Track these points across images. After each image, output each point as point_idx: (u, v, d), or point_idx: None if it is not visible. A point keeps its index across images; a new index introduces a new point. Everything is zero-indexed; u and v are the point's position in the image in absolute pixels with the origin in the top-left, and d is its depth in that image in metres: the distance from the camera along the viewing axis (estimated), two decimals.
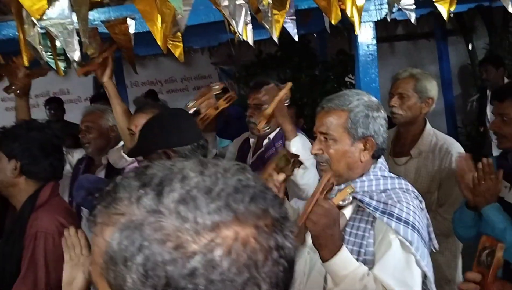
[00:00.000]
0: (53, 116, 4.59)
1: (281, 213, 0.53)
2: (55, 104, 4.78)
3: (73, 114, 5.02)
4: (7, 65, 2.25)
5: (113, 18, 1.99)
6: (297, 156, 1.55)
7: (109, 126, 2.50)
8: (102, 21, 1.99)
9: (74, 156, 2.69)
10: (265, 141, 2.24)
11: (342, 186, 1.34)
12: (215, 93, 2.35)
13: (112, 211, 0.51)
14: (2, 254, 1.56)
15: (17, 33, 1.89)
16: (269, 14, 1.78)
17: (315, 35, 4.41)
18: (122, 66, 4.67)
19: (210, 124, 2.28)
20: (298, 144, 1.94)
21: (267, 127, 2.14)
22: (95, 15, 1.93)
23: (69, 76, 6.26)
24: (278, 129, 2.18)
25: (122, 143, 2.40)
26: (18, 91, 2.36)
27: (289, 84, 2.13)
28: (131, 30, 1.98)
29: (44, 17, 1.42)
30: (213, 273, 0.47)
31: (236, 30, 1.61)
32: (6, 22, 1.87)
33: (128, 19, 1.97)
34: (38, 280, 1.47)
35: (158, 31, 1.51)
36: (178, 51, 2.08)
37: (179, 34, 1.98)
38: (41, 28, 1.65)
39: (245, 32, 1.73)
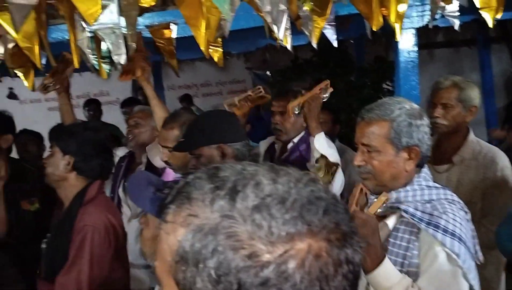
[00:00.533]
0: (91, 116, 4.73)
1: (351, 227, 0.52)
2: (93, 105, 4.92)
3: (111, 116, 5.18)
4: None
5: (156, 23, 2.06)
6: (337, 164, 1.54)
7: (155, 126, 2.58)
8: (146, 26, 2.05)
9: (117, 153, 2.77)
10: (290, 145, 2.24)
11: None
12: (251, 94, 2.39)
13: (185, 212, 0.51)
14: (51, 247, 1.62)
15: (65, 37, 1.99)
16: (310, 20, 1.79)
17: (351, 41, 4.39)
18: (161, 70, 4.78)
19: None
20: (323, 140, 1.94)
21: (297, 111, 2.13)
22: (140, 20, 1.99)
23: (109, 79, 6.47)
24: (302, 133, 2.18)
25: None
26: (58, 87, 2.45)
27: (326, 81, 2.11)
28: (173, 35, 2.04)
29: (95, 22, 1.48)
30: (285, 285, 0.46)
31: (277, 36, 1.62)
32: (56, 25, 1.95)
33: (170, 24, 2.03)
34: (81, 272, 1.52)
35: (201, 36, 1.55)
36: (217, 56, 2.13)
37: (219, 39, 2.03)
38: (89, 32, 1.73)
39: (286, 37, 1.74)
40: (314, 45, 1.87)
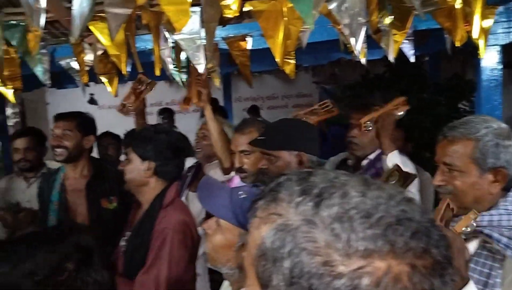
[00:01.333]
0: (165, 124, 4.96)
1: (445, 256, 0.49)
2: (167, 113, 5.15)
3: (181, 124, 5.39)
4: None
5: (231, 35, 2.12)
6: (411, 174, 1.48)
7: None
8: (222, 38, 2.12)
9: (186, 164, 2.87)
10: (365, 162, 2.18)
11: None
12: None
13: (272, 210, 0.53)
14: (131, 245, 1.69)
15: (147, 47, 2.10)
16: (388, 34, 1.75)
17: (427, 58, 4.23)
18: (230, 82, 4.90)
19: None
20: (396, 158, 1.87)
21: (370, 127, 2.07)
22: (217, 32, 2.06)
23: (181, 88, 6.76)
24: (379, 150, 2.12)
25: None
26: (135, 108, 2.60)
27: (403, 98, 2.05)
28: (249, 46, 2.09)
29: (177, 32, 1.55)
30: None
31: (354, 49, 1.60)
32: (139, 36, 2.07)
33: (246, 36, 2.08)
34: (160, 274, 1.56)
35: (278, 46, 1.56)
36: (289, 68, 2.14)
37: (292, 52, 2.04)
38: (172, 42, 1.82)
39: (363, 51, 1.71)
40: (392, 59, 1.82)
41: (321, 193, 0.51)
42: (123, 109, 2.57)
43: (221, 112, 4.17)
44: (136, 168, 1.74)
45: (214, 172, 2.49)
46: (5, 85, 2.11)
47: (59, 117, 2.32)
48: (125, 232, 1.79)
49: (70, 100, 5.61)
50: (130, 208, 1.86)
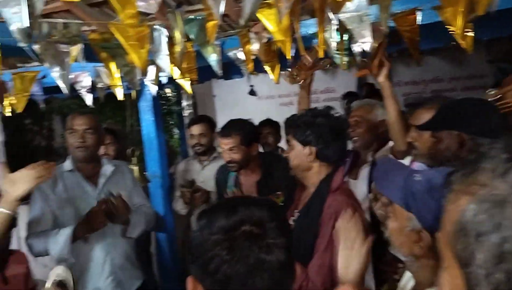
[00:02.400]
0: (346, 110, 4.86)
1: None
2: (352, 97, 5.02)
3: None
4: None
5: (398, 11, 1.97)
6: None
7: (378, 121, 2.49)
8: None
9: None
10: None
11: None
12: None
13: (472, 181, 0.48)
14: (300, 226, 1.73)
15: (308, 32, 2.10)
16: None
17: None
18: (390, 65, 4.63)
19: None
20: None
21: None
22: None
23: (335, 75, 6.69)
24: None
25: (391, 143, 2.36)
26: (302, 80, 2.62)
27: None
28: (418, 21, 1.91)
29: (342, 10, 1.50)
30: None
31: None
32: (301, 21, 2.06)
33: (416, 10, 1.91)
34: (334, 259, 1.52)
35: (459, 15, 1.38)
36: (467, 42, 1.89)
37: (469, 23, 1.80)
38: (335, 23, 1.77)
39: None
40: None
41: None
42: (293, 79, 2.62)
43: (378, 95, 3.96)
44: (298, 154, 1.77)
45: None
46: (183, 77, 2.36)
47: (224, 133, 2.47)
48: (292, 211, 1.82)
49: (234, 92, 6.04)
50: (291, 203, 1.89)
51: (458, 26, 1.42)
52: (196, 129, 3.10)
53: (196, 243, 0.77)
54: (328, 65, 2.57)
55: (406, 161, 1.92)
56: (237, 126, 2.46)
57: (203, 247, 0.74)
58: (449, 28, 1.69)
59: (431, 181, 0.97)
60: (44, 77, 2.10)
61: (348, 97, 4.75)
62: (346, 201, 1.65)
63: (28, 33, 1.55)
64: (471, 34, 1.86)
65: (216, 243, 0.73)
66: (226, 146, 2.43)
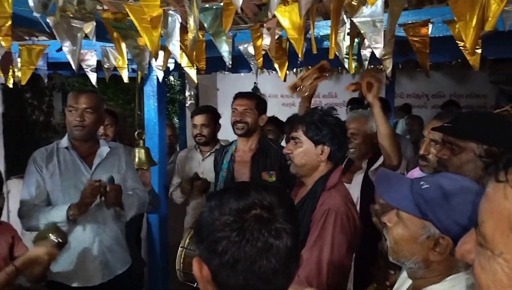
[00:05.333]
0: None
1: None
2: (356, 104, 5.00)
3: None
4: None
5: (410, 22, 1.99)
6: None
7: (374, 133, 2.50)
8: (399, 24, 2.00)
9: None
10: None
11: None
12: None
13: None
14: None
15: (320, 33, 2.11)
16: None
17: None
18: (394, 76, 4.67)
19: None
20: None
21: None
22: None
23: (339, 81, 6.71)
24: None
25: (381, 160, 2.36)
26: (305, 92, 2.61)
27: None
28: (429, 33, 1.93)
29: (357, 14, 1.52)
30: None
31: None
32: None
33: (429, 22, 1.93)
34: (323, 252, 1.56)
35: (470, 30, 1.39)
36: (474, 59, 1.91)
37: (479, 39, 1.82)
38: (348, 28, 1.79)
39: None
40: None
41: None
42: (294, 89, 2.61)
43: (384, 105, 3.96)
44: (307, 152, 1.72)
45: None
46: (192, 65, 2.37)
47: (241, 95, 2.67)
48: None
49: (237, 87, 6.04)
50: (288, 185, 1.90)
51: (469, 41, 1.42)
52: (199, 119, 3.11)
53: (205, 223, 0.77)
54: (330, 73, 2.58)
55: None
56: (253, 94, 2.79)
57: (212, 227, 0.75)
58: (459, 43, 1.71)
59: (443, 187, 0.98)
60: (60, 49, 2.09)
61: (352, 103, 4.76)
62: (340, 199, 1.64)
63: (44, 3, 1.56)
64: (479, 50, 1.88)
65: (226, 224, 0.74)
66: (241, 108, 2.61)
